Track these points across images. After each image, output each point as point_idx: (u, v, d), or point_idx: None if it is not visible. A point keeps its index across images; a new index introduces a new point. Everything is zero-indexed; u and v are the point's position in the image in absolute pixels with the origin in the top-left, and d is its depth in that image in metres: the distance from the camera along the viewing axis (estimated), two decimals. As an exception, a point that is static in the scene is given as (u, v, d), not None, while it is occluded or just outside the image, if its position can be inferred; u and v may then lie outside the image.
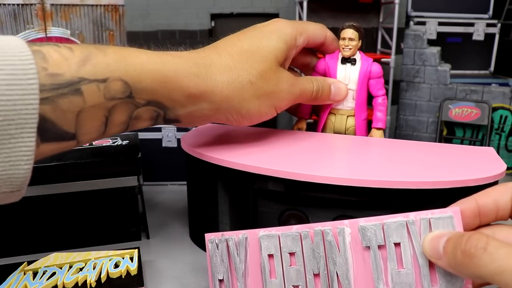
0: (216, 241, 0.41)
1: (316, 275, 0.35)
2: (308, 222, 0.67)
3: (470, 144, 1.25)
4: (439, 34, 1.50)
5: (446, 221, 0.35)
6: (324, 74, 0.82)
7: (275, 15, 1.51)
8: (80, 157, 0.72)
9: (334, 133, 0.84)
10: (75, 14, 1.58)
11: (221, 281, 0.40)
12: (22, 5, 1.53)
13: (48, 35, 1.58)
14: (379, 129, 0.85)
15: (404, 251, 0.33)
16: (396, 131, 1.40)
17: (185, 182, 0.82)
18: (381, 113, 0.86)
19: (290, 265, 0.36)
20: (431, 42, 1.49)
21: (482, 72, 1.57)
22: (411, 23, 1.50)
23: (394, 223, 0.33)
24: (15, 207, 0.73)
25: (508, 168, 1.22)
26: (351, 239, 0.34)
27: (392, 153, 0.72)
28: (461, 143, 1.28)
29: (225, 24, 1.53)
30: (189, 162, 0.77)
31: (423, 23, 1.50)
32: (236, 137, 0.80)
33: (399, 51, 1.50)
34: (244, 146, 0.74)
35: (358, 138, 0.82)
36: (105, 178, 0.73)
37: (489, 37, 1.47)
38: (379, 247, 0.33)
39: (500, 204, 0.40)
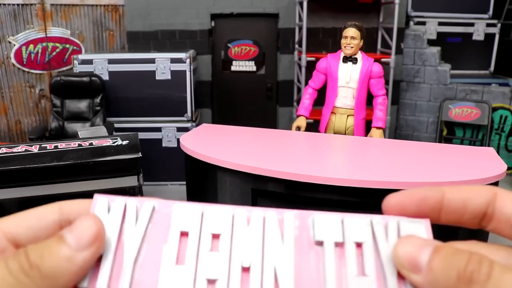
0: (111, 202, 0.33)
1: (245, 269, 0.27)
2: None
3: (470, 144, 1.25)
4: (439, 34, 1.50)
5: (417, 228, 0.28)
6: (326, 73, 0.82)
7: (275, 15, 1.51)
8: (80, 157, 0.72)
9: (334, 133, 0.84)
10: (75, 14, 1.58)
11: (98, 259, 0.33)
12: (22, 5, 1.53)
13: (48, 35, 1.58)
14: (379, 128, 0.85)
15: (366, 254, 0.26)
16: (396, 131, 1.40)
17: (185, 182, 0.82)
18: (382, 113, 0.86)
19: (211, 250, 0.27)
20: (431, 42, 1.49)
21: (482, 72, 1.57)
22: (411, 23, 1.50)
23: (357, 219, 0.26)
24: (15, 208, 0.73)
25: (508, 168, 1.22)
26: (299, 233, 0.27)
27: (392, 154, 0.72)
28: (461, 143, 1.28)
29: (225, 24, 1.53)
30: (189, 162, 0.77)
31: (423, 23, 1.50)
32: (235, 138, 0.80)
33: (399, 51, 1.50)
34: (244, 147, 0.74)
35: (358, 139, 0.82)
36: (105, 178, 0.73)
37: (489, 37, 1.47)
38: (336, 244, 0.27)
39: (470, 207, 0.25)
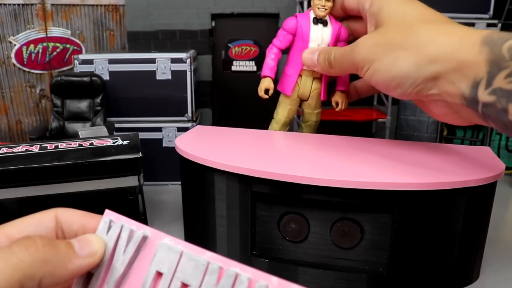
0: (111, 223, 0.32)
1: None
2: (308, 226, 0.66)
3: (470, 144, 1.25)
4: (440, 34, 1.50)
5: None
6: (294, 33, 0.81)
7: (276, 15, 1.52)
8: (81, 157, 0.72)
9: (298, 95, 0.83)
10: (76, 14, 1.59)
11: (88, 275, 0.31)
12: (23, 5, 1.53)
13: (48, 35, 1.58)
14: (342, 91, 0.85)
15: None
16: (396, 131, 1.40)
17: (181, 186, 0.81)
18: (345, 76, 0.86)
19: None
20: (431, 42, 1.49)
21: (482, 72, 1.57)
22: (412, 23, 1.50)
23: None
24: (16, 208, 0.74)
25: (508, 168, 1.22)
26: None
27: (392, 154, 0.72)
28: (462, 143, 1.28)
29: (225, 24, 1.53)
30: (184, 165, 0.76)
31: (424, 23, 1.49)
32: (233, 139, 0.80)
33: (399, 51, 1.49)
34: (241, 149, 0.73)
35: (358, 139, 0.82)
36: (106, 178, 0.73)
37: (490, 37, 1.47)
38: None
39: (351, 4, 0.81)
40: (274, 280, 0.24)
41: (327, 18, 0.81)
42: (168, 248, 0.28)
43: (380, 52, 0.62)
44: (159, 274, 0.28)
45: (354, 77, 0.82)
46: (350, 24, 0.84)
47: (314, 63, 0.78)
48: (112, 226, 0.31)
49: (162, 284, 0.28)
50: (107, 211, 0.33)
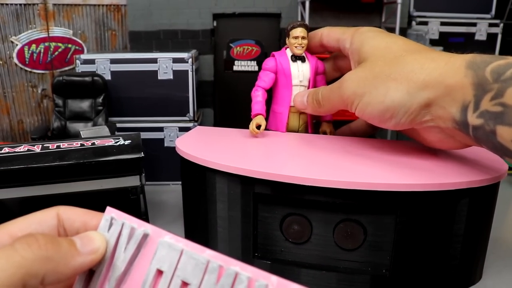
0: (112, 221, 0.32)
1: None
2: (311, 227, 0.66)
3: (472, 144, 1.24)
4: (442, 34, 1.50)
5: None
6: (276, 71, 0.82)
7: (278, 15, 1.51)
8: (82, 157, 0.72)
9: (288, 131, 0.85)
10: (77, 14, 1.58)
11: (90, 272, 0.31)
12: (25, 5, 1.53)
13: (50, 35, 1.58)
14: (329, 122, 0.87)
15: None
16: (397, 132, 1.40)
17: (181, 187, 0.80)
18: None
19: None
20: (433, 42, 1.48)
21: (484, 72, 1.56)
22: (413, 23, 1.50)
23: None
24: (17, 207, 0.73)
25: (510, 169, 1.22)
26: None
27: (394, 155, 0.71)
28: (464, 143, 1.28)
29: (227, 24, 1.53)
30: (185, 166, 0.75)
31: (426, 23, 1.49)
32: (233, 140, 0.79)
33: (401, 51, 1.49)
34: (242, 149, 0.73)
35: (360, 140, 0.81)
36: (108, 178, 0.73)
37: (492, 37, 1.47)
38: None
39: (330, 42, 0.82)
40: (273, 279, 0.24)
41: (303, 54, 0.84)
42: (168, 246, 0.28)
43: (370, 85, 0.62)
44: (159, 272, 0.28)
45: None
46: (334, 61, 0.86)
47: (304, 105, 0.80)
48: (113, 223, 0.31)
49: (162, 282, 0.28)
50: (108, 209, 0.33)
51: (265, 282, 0.24)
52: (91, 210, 0.35)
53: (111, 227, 0.31)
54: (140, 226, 0.31)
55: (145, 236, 0.30)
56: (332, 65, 0.87)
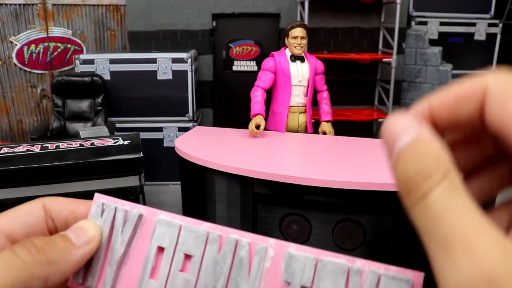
0: (104, 206, 0.31)
1: None
2: (310, 227, 0.66)
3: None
4: (441, 34, 1.50)
5: (401, 284, 0.25)
6: (275, 71, 0.83)
7: (277, 15, 1.51)
8: (82, 157, 0.72)
9: (288, 131, 0.85)
10: (77, 14, 1.58)
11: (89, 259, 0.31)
12: (24, 5, 1.53)
13: (49, 35, 1.58)
14: (328, 121, 0.88)
15: None
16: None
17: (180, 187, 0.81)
18: (328, 107, 0.90)
19: (181, 270, 0.28)
20: (432, 42, 1.49)
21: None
22: (413, 23, 1.50)
23: (332, 263, 0.25)
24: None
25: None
26: (271, 265, 0.26)
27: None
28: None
29: (226, 24, 1.53)
30: (184, 166, 0.75)
31: (425, 23, 1.49)
32: (233, 140, 0.80)
33: (400, 51, 1.50)
34: (241, 149, 0.73)
35: (360, 140, 0.82)
36: (107, 178, 0.73)
37: (491, 37, 1.47)
38: None
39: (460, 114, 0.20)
40: (271, 241, 0.25)
41: (302, 54, 0.84)
42: (166, 223, 0.28)
43: None
44: (160, 249, 0.28)
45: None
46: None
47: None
48: (105, 209, 0.30)
49: (165, 258, 0.28)
50: (97, 195, 0.30)
51: (265, 245, 0.25)
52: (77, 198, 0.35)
53: (103, 212, 0.31)
54: (133, 208, 0.30)
55: (140, 217, 0.30)
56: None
